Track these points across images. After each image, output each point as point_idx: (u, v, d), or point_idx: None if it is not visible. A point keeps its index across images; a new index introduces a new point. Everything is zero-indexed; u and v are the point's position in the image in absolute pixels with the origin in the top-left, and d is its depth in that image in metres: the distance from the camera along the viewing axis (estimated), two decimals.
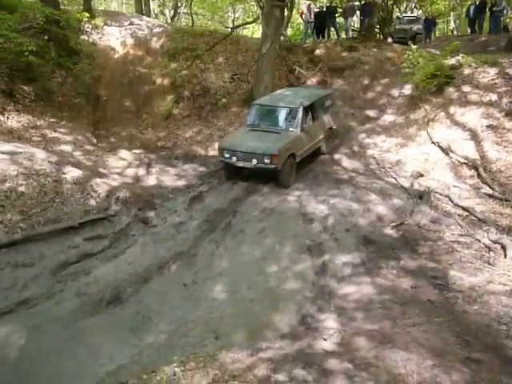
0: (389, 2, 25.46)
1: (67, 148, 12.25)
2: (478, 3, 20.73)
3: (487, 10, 20.30)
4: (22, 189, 9.41)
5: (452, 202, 9.75)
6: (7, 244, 8.32)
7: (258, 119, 12.19)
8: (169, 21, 32.88)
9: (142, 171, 12.37)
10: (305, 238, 9.17)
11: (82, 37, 18.13)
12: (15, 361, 6.49)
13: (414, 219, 9.24)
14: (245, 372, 5.32)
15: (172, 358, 6.09)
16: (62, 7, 17.22)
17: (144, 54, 18.47)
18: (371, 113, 15.99)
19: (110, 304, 7.82)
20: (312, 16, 21.84)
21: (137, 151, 13.83)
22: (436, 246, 8.37)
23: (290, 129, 11.61)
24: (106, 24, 19.63)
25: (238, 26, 24.55)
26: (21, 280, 7.92)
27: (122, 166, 12.43)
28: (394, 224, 9.16)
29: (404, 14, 28.19)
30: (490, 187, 10.00)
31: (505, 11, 20.68)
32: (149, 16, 27.46)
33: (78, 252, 8.88)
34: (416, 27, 23.18)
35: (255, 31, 35.77)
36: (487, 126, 11.44)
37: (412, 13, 30.60)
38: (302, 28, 27.58)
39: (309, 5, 22.47)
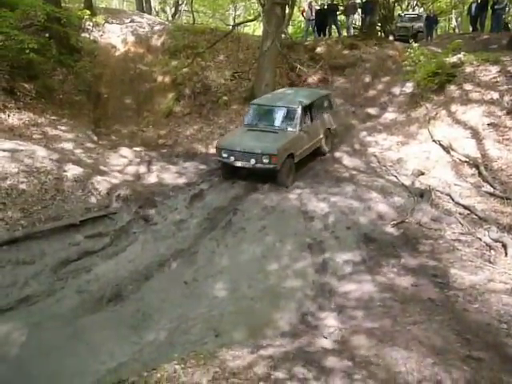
0: (390, 0, 25.43)
1: (68, 146, 12.24)
2: (479, 1, 20.63)
3: (489, 7, 20.23)
4: (22, 186, 9.42)
5: (453, 200, 9.75)
6: (8, 241, 8.32)
7: (256, 119, 12.12)
8: (170, 18, 32.84)
9: (142, 169, 12.36)
10: (305, 236, 9.17)
11: (82, 34, 18.15)
12: (16, 358, 6.49)
13: (414, 217, 9.24)
14: (245, 369, 5.33)
15: (172, 355, 6.11)
16: (62, 5, 17.22)
17: (145, 51, 18.47)
18: (372, 111, 15.95)
19: (111, 301, 7.82)
20: (313, 14, 21.79)
21: (137, 149, 13.83)
22: (437, 244, 8.37)
23: (289, 129, 11.52)
24: (106, 22, 19.64)
25: (239, 24, 24.59)
26: (22, 277, 7.93)
27: (123, 163, 12.42)
28: (395, 222, 9.16)
29: (405, 12, 28.18)
30: (491, 185, 9.99)
31: (506, 9, 20.64)
32: (150, 13, 27.48)
33: (78, 249, 8.88)
34: (417, 25, 23.13)
35: (256, 29, 35.71)
36: (488, 124, 11.44)
37: (413, 10, 30.57)
38: (303, 26, 27.51)
39: (310, 2, 22.43)
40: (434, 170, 11.11)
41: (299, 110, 11.63)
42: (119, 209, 10.10)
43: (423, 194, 10.05)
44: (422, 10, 30.69)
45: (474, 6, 20.94)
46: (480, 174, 10.45)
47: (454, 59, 14.24)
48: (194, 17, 25.56)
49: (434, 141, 12.06)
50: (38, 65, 14.49)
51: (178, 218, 10.27)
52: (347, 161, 12.67)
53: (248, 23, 28.80)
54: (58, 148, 11.80)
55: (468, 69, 13.60)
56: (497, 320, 6.21)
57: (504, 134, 11.09)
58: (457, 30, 33.08)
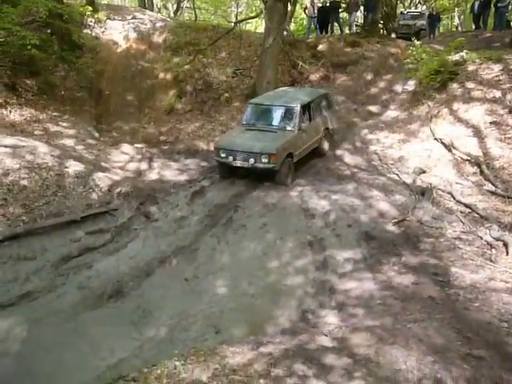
0: None
1: (69, 142, 12.25)
2: None
3: (492, 5, 20.16)
4: (24, 182, 9.43)
5: (454, 198, 9.74)
6: (9, 237, 8.33)
7: (254, 118, 12.01)
8: (171, 15, 32.78)
9: (144, 165, 12.36)
10: (306, 233, 9.17)
11: (84, 31, 18.12)
12: (17, 354, 6.50)
13: (415, 216, 9.23)
14: (245, 366, 5.34)
15: (173, 351, 6.11)
16: (64, 1, 17.17)
17: (146, 48, 18.45)
18: (374, 108, 15.94)
19: (112, 298, 7.82)
20: (315, 11, 21.72)
21: (139, 145, 13.83)
22: (438, 242, 8.37)
23: (288, 128, 11.41)
24: (108, 18, 19.59)
25: (241, 21, 24.54)
26: (23, 273, 7.93)
27: (124, 160, 12.43)
28: (396, 220, 9.15)
29: (408, 10, 28.10)
30: (493, 184, 9.98)
31: (509, 7, 20.52)
32: (152, 10, 27.42)
33: (79, 246, 8.89)
34: (420, 23, 23.07)
35: (258, 26, 35.71)
36: (491, 123, 11.42)
37: (416, 8, 30.51)
38: (305, 23, 27.52)
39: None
40: (436, 169, 11.10)
41: (298, 109, 11.52)
42: (120, 205, 10.10)
43: (424, 193, 10.04)
44: (424, 7, 30.64)
45: (476, 3, 20.86)
46: (482, 172, 10.44)
47: (456, 57, 14.21)
48: (195, 14, 25.59)
49: (435, 139, 12.05)
50: (39, 61, 14.48)
51: (179, 215, 10.27)
52: (348, 158, 12.66)
53: (250, 20, 28.88)
54: (60, 144, 11.81)
55: (470, 67, 13.57)
56: (497, 319, 6.21)
57: (506, 133, 11.07)
58: (459, 28, 33.04)
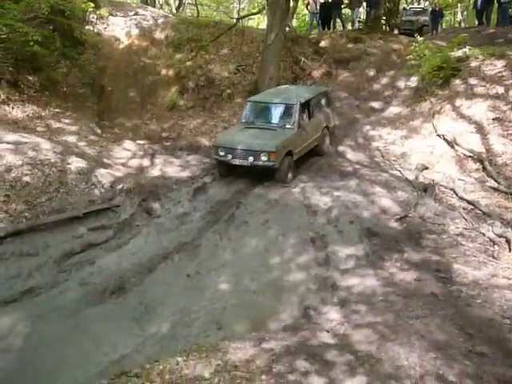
0: None
1: (72, 138, 12.25)
2: None
3: (495, 1, 20.09)
4: (26, 179, 9.43)
5: (457, 195, 9.72)
6: (12, 233, 8.34)
7: (253, 116, 11.92)
8: (174, 11, 32.74)
9: (146, 162, 12.36)
10: (308, 229, 9.17)
11: (86, 27, 18.08)
12: (19, 349, 6.52)
13: (418, 212, 9.22)
14: (247, 362, 5.35)
15: (175, 347, 6.14)
16: None
17: (149, 44, 18.42)
18: (376, 105, 15.91)
19: (114, 294, 7.84)
20: (318, 7, 21.72)
21: (141, 142, 13.83)
22: (440, 239, 8.36)
23: (287, 126, 11.31)
24: (110, 14, 19.54)
25: (243, 17, 24.51)
26: (25, 269, 7.95)
27: (126, 156, 12.42)
28: (398, 217, 9.14)
29: (411, 6, 28.06)
30: (496, 181, 9.96)
31: None
32: (154, 6, 27.35)
33: (82, 242, 8.90)
34: (423, 19, 23.01)
35: (260, 22, 35.62)
36: (493, 119, 11.39)
37: (419, 4, 30.45)
38: (307, 19, 27.47)
39: None
40: (438, 165, 11.08)
41: (297, 107, 11.42)
42: (122, 202, 10.10)
43: (427, 189, 10.02)
44: (427, 3, 30.56)
45: None
46: (484, 168, 10.42)
47: (459, 53, 14.17)
48: (197, 10, 25.47)
49: (438, 135, 12.02)
50: (42, 57, 14.45)
51: (181, 211, 10.28)
52: (351, 155, 12.64)
53: (252, 16, 28.76)
54: (62, 141, 11.81)
55: (473, 63, 13.52)
56: (500, 315, 6.21)
57: (509, 129, 11.04)
58: (462, 24, 32.91)
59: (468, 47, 14.29)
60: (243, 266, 8.32)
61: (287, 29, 18.98)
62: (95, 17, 18.63)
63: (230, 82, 16.79)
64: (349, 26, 23.13)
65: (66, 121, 13.34)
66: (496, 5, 20.17)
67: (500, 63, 13.03)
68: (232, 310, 7.26)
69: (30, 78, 14.28)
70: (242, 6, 38.04)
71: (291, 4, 19.56)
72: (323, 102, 13.07)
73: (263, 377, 5.08)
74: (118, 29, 18.98)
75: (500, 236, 8.19)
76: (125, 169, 11.51)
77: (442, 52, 14.69)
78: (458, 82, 13.30)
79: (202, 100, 16.28)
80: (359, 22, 23.77)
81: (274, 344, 5.79)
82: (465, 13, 35.55)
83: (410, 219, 9.07)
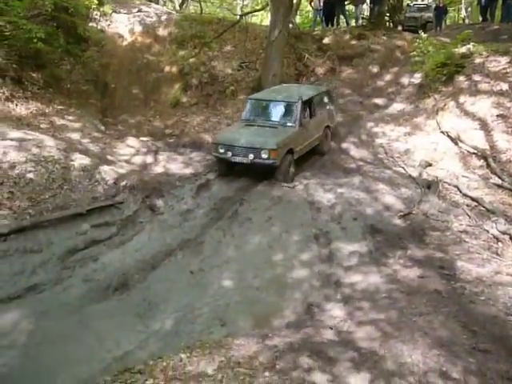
0: None
1: (75, 135, 12.25)
2: None
3: None
4: (30, 175, 9.44)
5: (460, 192, 9.72)
6: (16, 230, 8.33)
7: (254, 114, 11.85)
8: (177, 8, 32.68)
9: (149, 159, 12.36)
10: (312, 226, 9.17)
11: (90, 24, 18.02)
12: (23, 345, 6.54)
13: (421, 209, 9.21)
14: (250, 359, 5.35)
15: (178, 344, 6.15)
16: None
17: (152, 41, 18.40)
18: (380, 101, 15.88)
19: (117, 290, 7.84)
20: (321, 3, 21.62)
21: (144, 139, 13.83)
22: (444, 236, 8.35)
23: (288, 124, 11.24)
24: (114, 11, 19.52)
25: (247, 14, 24.47)
26: (29, 266, 7.95)
27: (130, 153, 12.42)
28: (402, 213, 9.14)
29: (414, 2, 27.85)
30: (500, 177, 9.95)
31: None
32: (157, 3, 27.29)
33: (85, 238, 8.90)
34: (426, 15, 22.94)
35: (264, 19, 35.56)
36: (497, 116, 11.36)
37: (423, 0, 30.21)
38: (310, 16, 27.39)
39: None
40: (442, 162, 11.07)
41: (299, 105, 11.35)
42: (126, 198, 10.10)
43: (430, 186, 10.01)
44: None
45: None
46: (488, 165, 10.40)
47: (463, 50, 14.13)
48: (201, 6, 25.47)
49: (442, 132, 12.01)
50: (45, 54, 14.45)
51: (185, 208, 10.28)
52: (354, 152, 12.63)
53: (256, 13, 28.73)
54: (66, 137, 11.82)
55: (477, 59, 13.49)
56: (503, 312, 6.20)
57: None
58: (466, 21, 32.76)
59: (472, 44, 14.25)
60: (246, 263, 8.33)
61: (290, 25, 18.95)
62: (99, 14, 18.58)
63: (234, 78, 16.76)
64: (352, 23, 23.02)
65: (70, 118, 13.34)
66: (500, 1, 20.08)
67: (504, 60, 12.99)
68: (235, 306, 7.27)
69: (34, 74, 14.28)
70: (245, 2, 37.97)
71: (294, 0, 19.53)
72: (325, 100, 13.03)
73: (266, 373, 5.08)
74: (122, 26, 18.97)
75: (504, 233, 8.18)
76: (128, 165, 11.51)
77: (446, 48, 14.65)
78: (461, 78, 13.26)
79: (205, 97, 16.26)
80: (363, 18, 23.67)
81: (278, 341, 5.80)
82: (469, 9, 35.39)
83: (413, 216, 9.06)
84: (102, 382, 5.21)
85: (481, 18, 21.94)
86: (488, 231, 8.34)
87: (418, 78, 15.79)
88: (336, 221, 9.25)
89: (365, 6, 25.06)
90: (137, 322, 7.18)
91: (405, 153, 11.91)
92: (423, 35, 16.31)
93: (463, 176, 10.32)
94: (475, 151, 10.87)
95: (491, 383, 4.98)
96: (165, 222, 9.80)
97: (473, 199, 9.37)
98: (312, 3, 22.60)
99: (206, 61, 17.11)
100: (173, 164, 12.19)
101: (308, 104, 11.81)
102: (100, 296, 7.68)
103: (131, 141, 13.31)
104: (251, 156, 10.52)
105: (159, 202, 10.38)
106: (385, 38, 19.30)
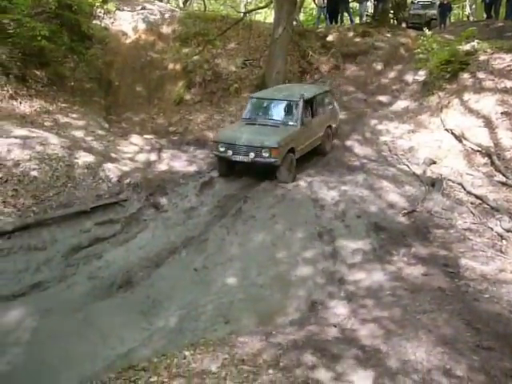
0: None
1: (79, 133, 12.27)
2: None
3: None
4: (34, 173, 9.47)
5: (465, 189, 9.69)
6: (20, 228, 8.37)
7: (255, 113, 11.77)
8: (181, 5, 32.65)
9: (153, 156, 12.37)
10: (315, 224, 9.16)
11: (94, 21, 18.05)
12: (27, 343, 6.56)
13: (425, 207, 9.20)
14: (254, 356, 5.36)
15: (182, 341, 6.16)
16: None
17: (156, 39, 18.40)
18: (384, 99, 15.85)
19: (121, 288, 7.86)
20: (325, 1, 21.58)
21: (148, 136, 13.85)
22: (448, 233, 8.34)
23: (290, 123, 11.16)
24: (118, 9, 19.51)
25: (251, 11, 24.42)
26: (33, 263, 7.99)
27: (134, 151, 12.44)
28: (406, 211, 9.12)
29: None
30: (504, 175, 9.91)
31: None
32: (161, 1, 27.23)
33: (89, 236, 8.93)
34: (431, 12, 22.85)
35: (268, 16, 35.46)
36: (502, 113, 11.31)
37: None
38: (314, 13, 27.33)
39: None
40: (446, 159, 11.04)
41: (301, 104, 11.25)
42: (130, 196, 10.13)
43: (435, 183, 10.00)
44: None
45: None
46: (492, 163, 10.37)
47: (467, 47, 14.07)
48: (204, 4, 25.36)
49: (446, 129, 11.97)
50: (49, 52, 14.49)
51: (189, 206, 10.29)
52: (358, 149, 12.61)
53: (259, 10, 28.60)
54: (70, 135, 11.84)
55: (482, 57, 13.42)
56: (507, 310, 6.19)
57: None
58: (471, 18, 32.58)
59: (476, 41, 14.19)
60: (250, 261, 8.32)
61: (294, 23, 18.89)
62: (102, 11, 18.59)
63: (237, 76, 16.75)
64: (356, 20, 22.99)
65: (74, 115, 13.36)
66: None
67: (509, 57, 12.92)
68: (239, 304, 7.27)
69: (38, 72, 14.30)
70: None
71: None
72: (327, 100, 12.97)
73: (270, 371, 5.09)
74: (125, 23, 18.97)
75: (508, 231, 8.16)
76: (132, 163, 11.53)
77: (450, 46, 14.60)
78: (466, 75, 13.21)
79: (209, 94, 16.25)
80: (367, 15, 23.64)
81: (281, 338, 5.80)
82: (473, 6, 35.22)
83: (417, 214, 9.05)
84: (106, 380, 5.22)
85: (485, 16, 21.88)
86: (492, 229, 8.32)
87: (422, 75, 15.76)
88: (340, 218, 9.24)
89: (369, 3, 24.94)
90: (141, 319, 7.19)
91: (409, 150, 11.88)
92: (427, 32, 16.23)
93: (467, 174, 10.29)
94: (479, 149, 10.84)
95: (495, 381, 4.97)
96: (169, 220, 9.82)
97: (477, 197, 9.35)
98: (316, 0, 22.56)
99: (209, 58, 17.10)
100: (176, 162, 12.21)
101: (310, 103, 11.75)
102: (104, 293, 7.70)
103: (135, 138, 13.33)
104: (252, 155, 10.45)
105: (163, 200, 10.39)
106: (389, 35, 19.28)
